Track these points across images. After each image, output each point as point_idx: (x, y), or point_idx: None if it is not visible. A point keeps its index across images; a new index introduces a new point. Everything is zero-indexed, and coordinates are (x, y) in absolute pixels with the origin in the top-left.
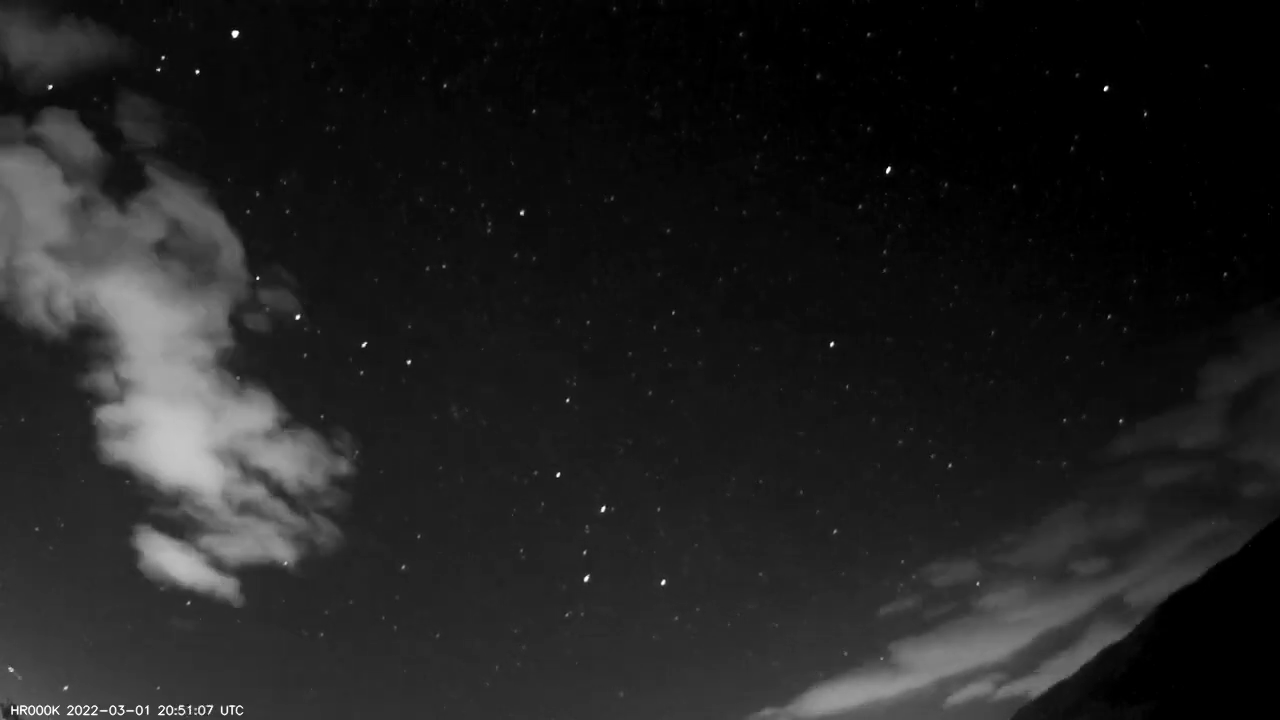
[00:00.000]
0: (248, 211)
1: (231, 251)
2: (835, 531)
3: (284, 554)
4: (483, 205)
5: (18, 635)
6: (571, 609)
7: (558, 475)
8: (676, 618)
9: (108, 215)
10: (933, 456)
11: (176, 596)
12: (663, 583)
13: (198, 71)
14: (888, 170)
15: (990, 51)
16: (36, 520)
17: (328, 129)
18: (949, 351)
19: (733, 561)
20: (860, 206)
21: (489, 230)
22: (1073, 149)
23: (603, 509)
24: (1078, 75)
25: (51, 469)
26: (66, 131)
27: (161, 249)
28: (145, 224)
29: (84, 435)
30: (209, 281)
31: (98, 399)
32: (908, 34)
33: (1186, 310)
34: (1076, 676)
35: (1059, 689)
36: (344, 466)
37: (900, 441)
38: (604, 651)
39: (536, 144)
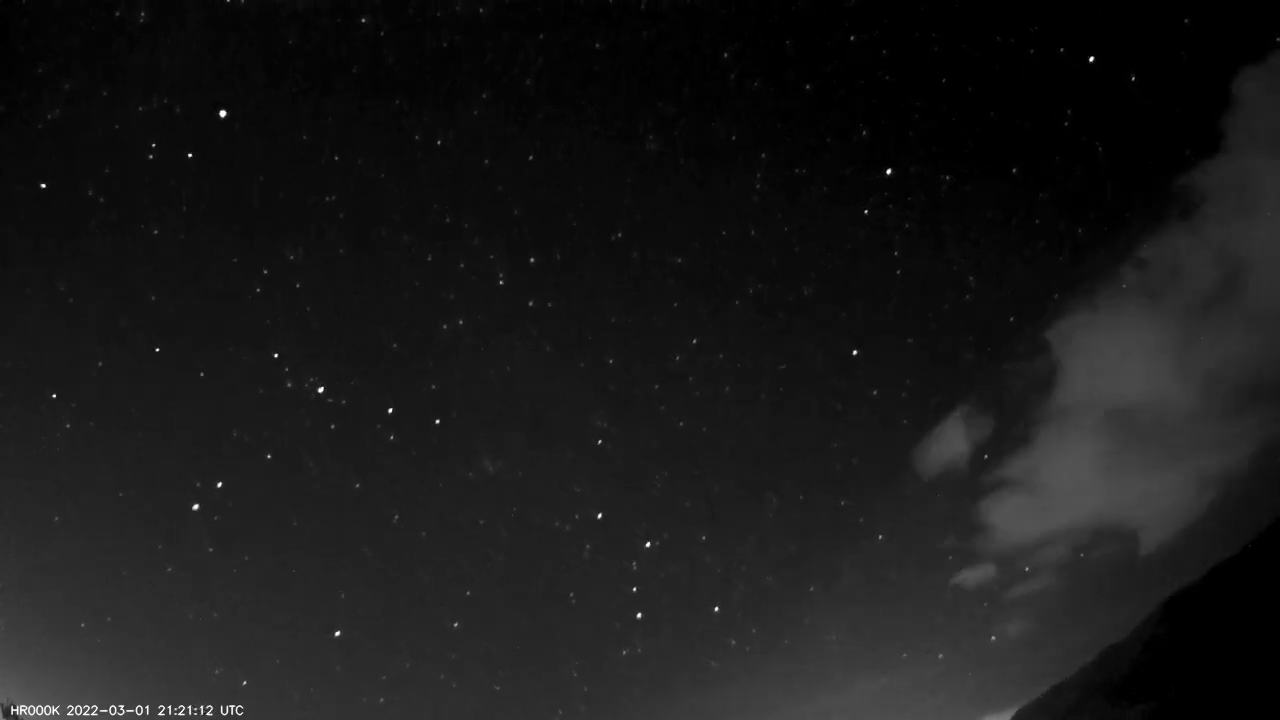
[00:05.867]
0: (257, 289)
1: None
2: (880, 537)
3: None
4: (491, 257)
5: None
6: (628, 646)
7: (599, 516)
8: (734, 642)
9: None
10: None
11: None
12: (716, 609)
13: (190, 155)
14: (888, 171)
15: (974, 39)
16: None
17: (327, 199)
18: (971, 344)
19: (783, 580)
20: (865, 211)
21: (501, 281)
22: (1067, 124)
23: (647, 544)
24: (1062, 50)
25: None
26: None
27: None
28: None
29: None
30: None
31: None
32: (891, 33)
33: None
34: (1076, 676)
35: (1059, 689)
36: (386, 532)
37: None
38: (664, 684)
39: (538, 189)
